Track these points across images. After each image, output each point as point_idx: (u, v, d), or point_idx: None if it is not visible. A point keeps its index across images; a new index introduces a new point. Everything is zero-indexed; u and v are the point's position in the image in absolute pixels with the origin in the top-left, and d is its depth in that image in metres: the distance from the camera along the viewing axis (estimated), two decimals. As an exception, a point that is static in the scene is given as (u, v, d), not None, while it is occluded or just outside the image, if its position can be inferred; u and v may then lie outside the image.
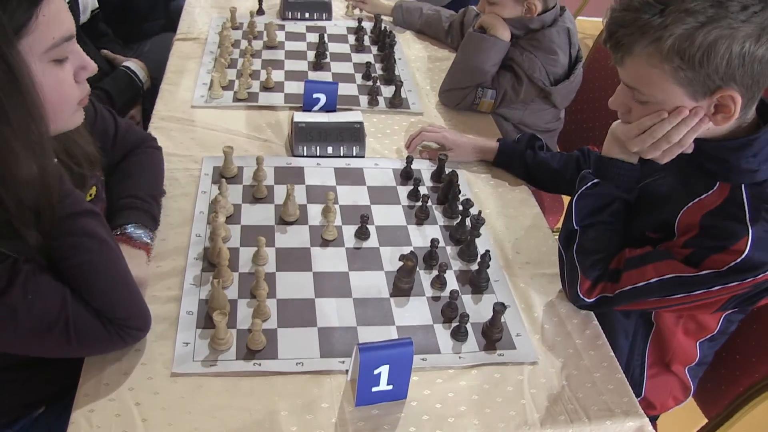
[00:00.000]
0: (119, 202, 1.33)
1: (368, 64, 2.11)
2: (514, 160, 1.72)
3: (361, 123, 1.75)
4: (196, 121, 1.80)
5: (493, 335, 1.26)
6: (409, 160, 1.68)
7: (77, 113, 1.07)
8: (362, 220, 1.46)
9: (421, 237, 1.49)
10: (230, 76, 2.00)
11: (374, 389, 1.11)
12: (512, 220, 1.59)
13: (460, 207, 1.51)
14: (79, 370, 1.12)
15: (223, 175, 1.58)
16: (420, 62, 2.28)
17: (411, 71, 2.20)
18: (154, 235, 1.35)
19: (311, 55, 2.20)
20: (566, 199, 1.47)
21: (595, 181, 1.31)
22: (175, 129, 1.75)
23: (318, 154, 1.71)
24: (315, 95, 1.84)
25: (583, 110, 2.36)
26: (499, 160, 1.74)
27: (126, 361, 1.14)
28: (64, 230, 1.01)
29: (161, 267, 1.32)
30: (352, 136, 1.73)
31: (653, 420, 1.55)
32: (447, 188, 1.60)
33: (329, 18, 2.48)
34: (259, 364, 1.16)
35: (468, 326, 1.27)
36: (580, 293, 1.29)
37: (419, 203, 1.56)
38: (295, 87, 2.00)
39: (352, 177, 1.66)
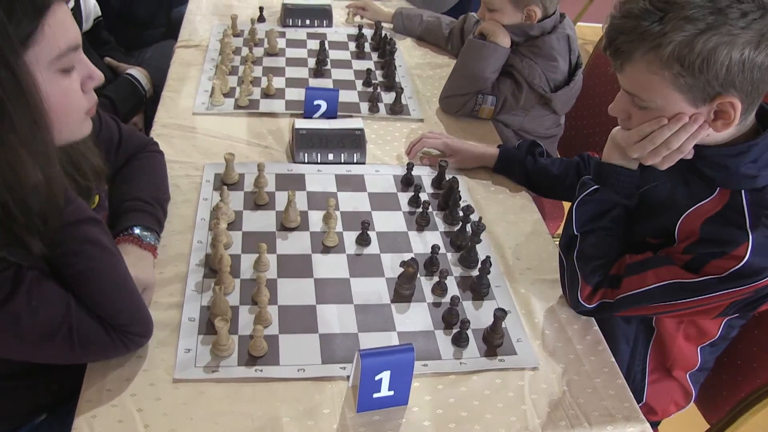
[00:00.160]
0: (124, 204, 1.33)
1: (369, 71, 2.12)
2: (515, 167, 1.72)
3: (361, 130, 1.76)
4: (197, 128, 1.80)
5: (493, 341, 1.26)
6: (410, 166, 1.68)
7: (85, 123, 1.07)
8: (363, 226, 1.46)
9: (421, 243, 1.50)
10: (231, 83, 2.01)
11: (375, 395, 1.11)
12: (513, 226, 1.59)
13: (461, 213, 1.51)
14: (82, 376, 1.12)
15: (225, 182, 1.58)
16: (420, 69, 2.29)
17: (411, 78, 2.20)
18: (159, 239, 1.35)
19: (312, 62, 2.21)
20: (566, 205, 1.48)
21: (595, 187, 1.31)
22: (177, 136, 1.76)
23: (319, 161, 1.71)
24: (316, 102, 1.85)
25: (584, 116, 2.36)
26: (499, 167, 1.74)
27: (128, 367, 1.14)
28: (67, 237, 1.01)
29: (163, 273, 1.33)
30: (352, 143, 1.73)
31: (654, 426, 1.55)
32: (447, 194, 1.60)
33: (330, 25, 2.49)
34: (261, 371, 1.16)
35: (469, 332, 1.27)
36: (580, 299, 1.29)
37: (420, 210, 1.57)
38: (296, 94, 2.00)
39: (353, 183, 1.66)
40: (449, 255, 1.48)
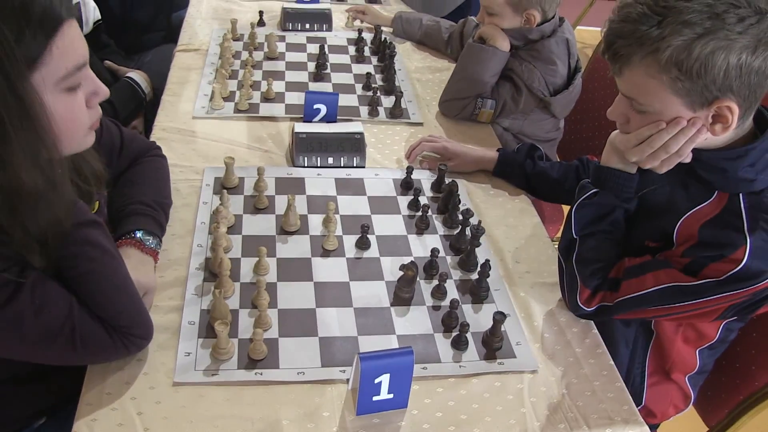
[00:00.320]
0: (127, 208, 1.33)
1: (368, 74, 2.13)
2: (514, 170, 1.72)
3: (361, 133, 1.76)
4: (197, 132, 1.81)
5: (493, 344, 1.27)
6: (410, 170, 1.68)
7: (88, 136, 1.08)
8: (363, 230, 1.46)
9: (421, 247, 1.50)
10: (231, 87, 2.01)
11: (375, 398, 1.11)
12: (512, 229, 1.59)
13: (460, 217, 1.52)
14: (82, 379, 1.12)
15: (225, 186, 1.58)
16: (420, 73, 2.29)
17: (411, 82, 2.21)
18: (161, 243, 1.36)
19: (312, 66, 2.21)
20: (566, 208, 1.48)
21: (595, 190, 1.31)
22: (177, 140, 1.76)
23: (319, 165, 1.72)
24: (315, 106, 1.85)
25: (583, 120, 2.37)
26: (498, 170, 1.74)
27: (128, 370, 1.14)
28: (68, 240, 1.01)
29: (163, 277, 1.33)
30: (352, 147, 1.74)
31: (654, 429, 1.55)
32: (447, 198, 1.61)
33: (329, 29, 2.50)
34: (261, 374, 1.17)
35: (468, 335, 1.28)
36: (579, 302, 1.30)
37: (419, 213, 1.57)
38: (296, 98, 2.01)
39: (353, 187, 1.67)
40: (449, 258, 1.48)
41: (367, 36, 2.45)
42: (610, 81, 2.20)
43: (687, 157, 1.19)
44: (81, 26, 2.04)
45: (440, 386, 1.20)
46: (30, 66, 0.90)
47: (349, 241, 1.49)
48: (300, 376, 1.17)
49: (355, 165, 1.74)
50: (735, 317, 1.29)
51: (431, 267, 1.42)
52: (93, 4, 2.18)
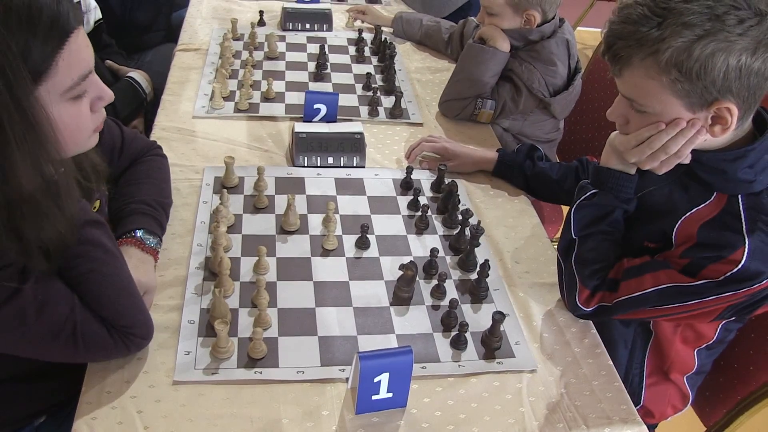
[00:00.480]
0: (127, 207, 1.34)
1: (368, 74, 2.13)
2: (514, 171, 1.73)
3: (361, 133, 1.77)
4: (197, 132, 1.81)
5: (492, 344, 1.27)
6: (409, 170, 1.69)
7: (92, 138, 1.07)
8: (362, 229, 1.46)
9: (420, 246, 1.50)
10: (231, 86, 2.02)
11: (374, 397, 1.12)
12: (511, 230, 1.60)
13: (460, 217, 1.52)
14: (82, 378, 1.12)
15: (225, 185, 1.59)
16: (420, 73, 2.29)
17: (411, 82, 2.21)
18: (161, 242, 1.36)
19: (312, 66, 2.22)
20: (565, 209, 1.48)
21: (594, 191, 1.32)
22: (177, 139, 1.76)
23: (318, 165, 1.72)
24: (315, 106, 1.86)
25: (582, 121, 2.37)
26: (498, 171, 1.75)
27: (128, 369, 1.15)
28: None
29: (163, 276, 1.33)
30: (352, 147, 1.74)
31: (652, 428, 1.55)
32: (447, 198, 1.61)
33: (330, 29, 2.50)
34: (260, 373, 1.17)
35: (467, 335, 1.28)
36: (578, 302, 1.30)
37: (419, 213, 1.57)
38: (296, 97, 2.01)
39: (353, 187, 1.67)
40: (448, 258, 1.48)
41: (368, 36, 2.45)
42: (609, 82, 2.21)
43: (686, 158, 1.19)
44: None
45: (439, 385, 1.20)
46: (36, 80, 0.90)
47: (349, 240, 1.49)
48: (299, 375, 1.17)
49: (354, 165, 1.74)
50: (733, 318, 1.29)
51: (431, 267, 1.42)
52: (94, 4, 2.18)
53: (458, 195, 1.60)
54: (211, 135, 1.80)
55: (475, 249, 1.47)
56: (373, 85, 2.09)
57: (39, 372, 1.21)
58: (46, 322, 0.99)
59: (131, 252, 1.25)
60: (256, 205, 1.55)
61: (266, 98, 1.99)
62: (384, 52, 2.30)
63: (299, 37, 2.42)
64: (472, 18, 2.30)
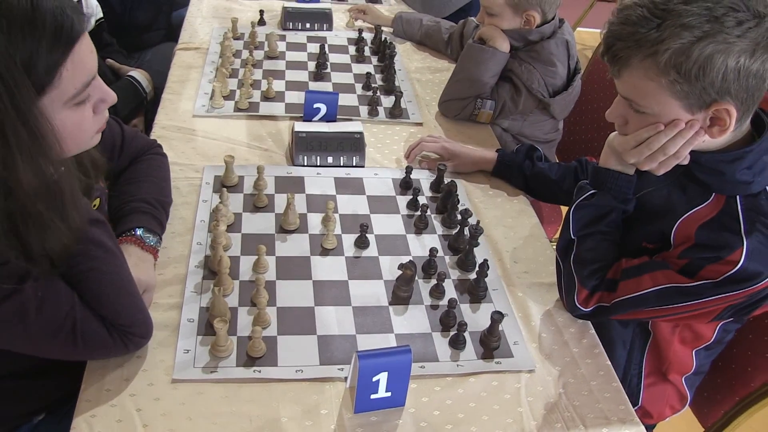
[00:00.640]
0: (127, 205, 1.34)
1: (368, 74, 2.13)
2: (513, 171, 1.73)
3: (361, 133, 1.77)
4: (197, 131, 1.81)
5: (490, 343, 1.27)
6: (409, 170, 1.69)
7: (94, 138, 1.08)
8: (362, 229, 1.47)
9: (420, 246, 1.51)
10: (231, 85, 2.02)
11: (373, 396, 1.12)
12: (510, 230, 1.60)
13: (459, 217, 1.52)
14: (81, 376, 1.13)
15: (224, 184, 1.59)
16: (420, 73, 2.30)
17: (411, 82, 2.22)
18: (161, 241, 1.36)
19: (312, 66, 2.22)
20: (564, 209, 1.49)
21: (593, 191, 1.32)
22: (177, 138, 1.77)
23: (318, 164, 1.72)
24: (315, 105, 1.86)
25: (582, 121, 2.37)
26: (497, 171, 1.75)
27: (127, 367, 1.15)
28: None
29: (163, 275, 1.33)
30: (352, 146, 1.74)
31: (650, 429, 1.56)
32: (446, 198, 1.61)
33: (330, 29, 2.50)
34: (259, 371, 1.17)
35: (466, 334, 1.28)
36: (577, 302, 1.30)
37: (418, 213, 1.57)
38: (296, 97, 2.01)
39: (352, 187, 1.67)
40: (447, 258, 1.49)
41: (368, 36, 2.45)
42: (609, 83, 2.21)
43: (685, 159, 1.20)
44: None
45: (438, 385, 1.20)
46: (39, 92, 0.90)
47: (348, 240, 1.49)
48: (298, 374, 1.18)
49: (354, 164, 1.74)
50: (732, 318, 1.30)
51: (430, 266, 1.42)
52: (95, 2, 2.18)
53: (457, 195, 1.60)
54: (211, 134, 1.81)
55: (474, 249, 1.47)
56: (373, 85, 2.10)
57: (38, 369, 1.21)
58: (45, 319, 0.99)
59: (131, 250, 1.25)
60: (256, 204, 1.55)
61: (266, 97, 2.00)
62: (384, 52, 2.30)
63: (299, 37, 2.42)
64: (472, 18, 2.30)
